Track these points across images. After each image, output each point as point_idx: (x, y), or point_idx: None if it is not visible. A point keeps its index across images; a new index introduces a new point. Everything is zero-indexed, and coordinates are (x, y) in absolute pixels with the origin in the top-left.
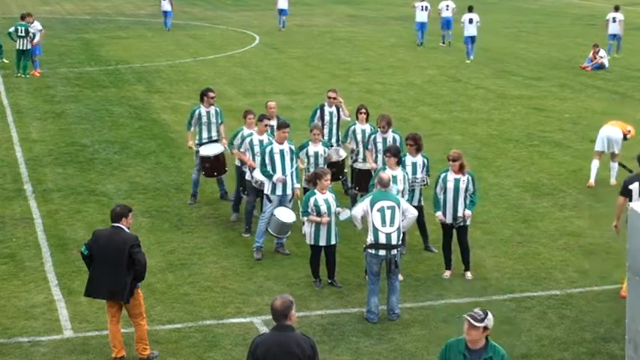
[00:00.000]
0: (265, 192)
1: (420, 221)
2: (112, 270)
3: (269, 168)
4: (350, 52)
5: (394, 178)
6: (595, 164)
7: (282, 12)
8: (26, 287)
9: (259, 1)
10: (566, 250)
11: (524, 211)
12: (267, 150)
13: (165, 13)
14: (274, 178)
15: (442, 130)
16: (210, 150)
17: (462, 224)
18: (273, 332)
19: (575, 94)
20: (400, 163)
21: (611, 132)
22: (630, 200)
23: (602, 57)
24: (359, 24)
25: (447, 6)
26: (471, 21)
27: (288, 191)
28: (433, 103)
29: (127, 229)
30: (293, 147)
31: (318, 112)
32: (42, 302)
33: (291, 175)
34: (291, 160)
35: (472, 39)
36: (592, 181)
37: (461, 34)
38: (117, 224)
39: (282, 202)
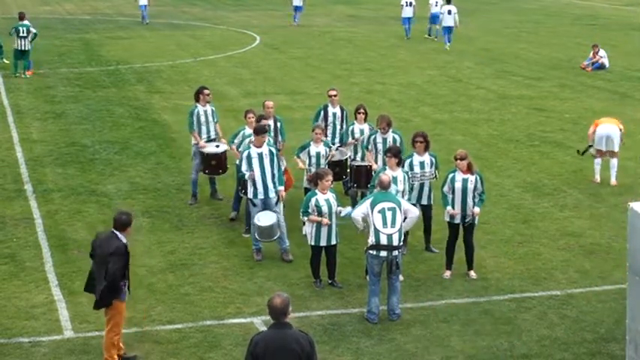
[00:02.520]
0: (248, 196)
1: (427, 221)
2: (97, 273)
3: (245, 171)
4: (350, 52)
5: (394, 178)
6: (597, 162)
7: (297, 9)
8: (27, 287)
9: (259, 1)
10: (566, 250)
11: (524, 212)
12: (245, 154)
13: (142, 7)
14: (246, 176)
15: (443, 130)
16: (215, 148)
17: (470, 222)
18: (271, 330)
19: (576, 94)
20: (400, 163)
21: (609, 130)
22: None
23: (602, 57)
24: (359, 24)
25: (437, 2)
26: (449, 12)
27: (271, 194)
28: (434, 104)
29: (120, 237)
30: (273, 149)
31: (322, 112)
32: (42, 302)
33: (272, 178)
34: (272, 162)
35: (449, 29)
36: (597, 177)
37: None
38: (115, 231)
39: (267, 205)
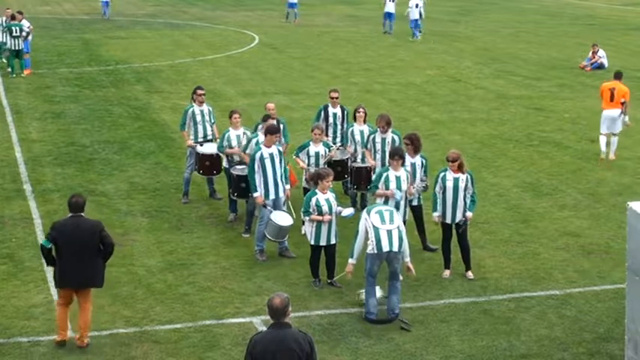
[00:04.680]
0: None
1: (419, 221)
2: (83, 257)
3: (258, 174)
4: (350, 52)
5: (398, 178)
6: (603, 140)
7: (291, 5)
8: (26, 287)
9: (258, 1)
10: (565, 250)
11: (523, 211)
12: (257, 156)
13: (104, 2)
14: (254, 196)
15: (442, 130)
16: (210, 148)
17: (463, 228)
18: (271, 330)
19: (575, 94)
20: (404, 163)
21: (612, 114)
22: None
23: (601, 57)
24: (359, 24)
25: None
26: (417, 6)
27: (281, 194)
28: (433, 103)
29: (86, 217)
30: (280, 148)
31: (322, 113)
32: (41, 302)
33: (282, 177)
34: (280, 162)
35: (416, 22)
36: (604, 154)
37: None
38: (79, 214)
39: (276, 205)
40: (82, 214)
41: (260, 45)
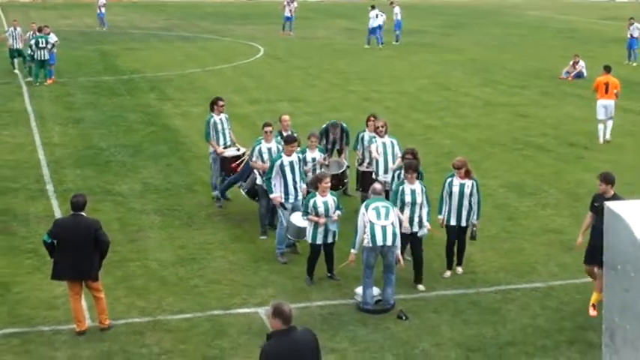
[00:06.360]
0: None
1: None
2: (79, 253)
3: (276, 179)
4: (348, 62)
5: (413, 192)
6: (600, 128)
7: (288, 19)
8: (48, 280)
9: (264, 15)
10: (548, 245)
11: (509, 210)
12: (277, 163)
13: (100, 14)
14: (272, 196)
15: (434, 134)
16: (234, 152)
17: (473, 234)
18: (280, 338)
19: (556, 101)
20: (419, 176)
21: (607, 103)
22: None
23: (581, 67)
24: (357, 36)
25: (398, 12)
26: (377, 16)
27: (299, 197)
28: (425, 110)
29: (87, 216)
30: (300, 156)
31: (324, 134)
32: (62, 294)
33: (300, 182)
34: (299, 169)
35: (375, 30)
36: (601, 140)
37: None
38: (79, 212)
39: (295, 207)
40: (83, 213)
41: (265, 56)
